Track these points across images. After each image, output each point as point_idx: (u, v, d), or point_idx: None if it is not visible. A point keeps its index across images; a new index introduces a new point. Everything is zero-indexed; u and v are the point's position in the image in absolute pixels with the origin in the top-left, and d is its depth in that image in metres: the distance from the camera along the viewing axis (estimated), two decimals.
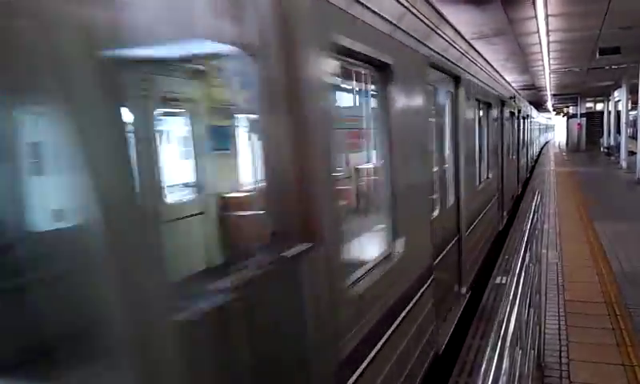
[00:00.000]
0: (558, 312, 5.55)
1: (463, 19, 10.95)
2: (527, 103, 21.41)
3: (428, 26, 4.25)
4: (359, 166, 5.01)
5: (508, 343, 1.80)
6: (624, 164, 21.39)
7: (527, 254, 2.89)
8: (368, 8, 2.80)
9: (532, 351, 3.76)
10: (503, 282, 6.67)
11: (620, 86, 24.20)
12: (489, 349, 1.72)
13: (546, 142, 50.73)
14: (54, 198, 1.43)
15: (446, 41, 5.09)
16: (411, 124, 3.72)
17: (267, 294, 1.86)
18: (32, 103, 1.26)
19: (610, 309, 5.54)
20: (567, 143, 40.60)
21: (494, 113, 8.89)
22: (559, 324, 5.22)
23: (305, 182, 2.03)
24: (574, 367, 4.31)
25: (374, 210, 4.09)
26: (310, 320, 2.03)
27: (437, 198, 4.80)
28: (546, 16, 11.18)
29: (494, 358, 1.66)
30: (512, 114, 12.39)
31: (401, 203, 3.16)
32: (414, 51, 3.82)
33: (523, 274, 2.50)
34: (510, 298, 2.16)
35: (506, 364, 1.71)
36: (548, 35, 13.19)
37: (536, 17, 11.48)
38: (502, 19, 12.02)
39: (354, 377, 2.43)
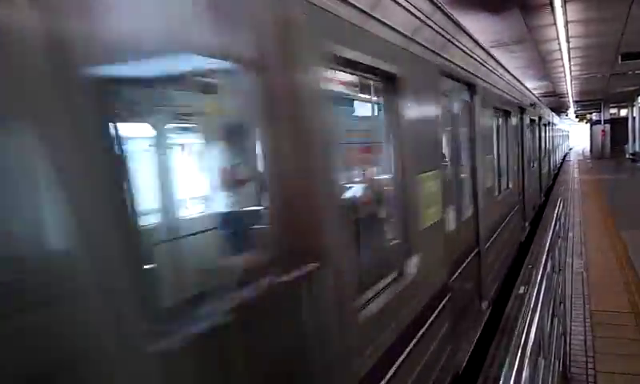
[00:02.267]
0: (584, 322, 5.43)
1: (482, 28, 10.92)
2: (549, 110, 21.40)
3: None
4: None
5: (528, 353, 1.78)
6: None
7: (549, 263, 2.85)
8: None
9: (557, 362, 3.69)
10: (526, 291, 6.56)
11: None
12: (508, 359, 1.71)
13: (567, 153, 46.75)
14: None
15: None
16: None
17: None
18: None
19: (637, 319, 5.40)
20: (591, 150, 39.93)
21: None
22: (585, 334, 5.11)
23: None
24: (600, 379, 4.21)
25: None
26: None
27: None
28: (566, 22, 11.06)
29: (513, 369, 1.64)
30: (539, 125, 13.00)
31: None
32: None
33: (544, 282, 2.47)
34: (531, 307, 2.13)
35: (525, 374, 1.69)
36: (568, 42, 13.04)
37: (555, 24, 11.37)
38: (520, 27, 11.93)
39: None
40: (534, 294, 2.24)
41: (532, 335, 1.89)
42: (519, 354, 1.77)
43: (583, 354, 4.66)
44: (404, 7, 3.19)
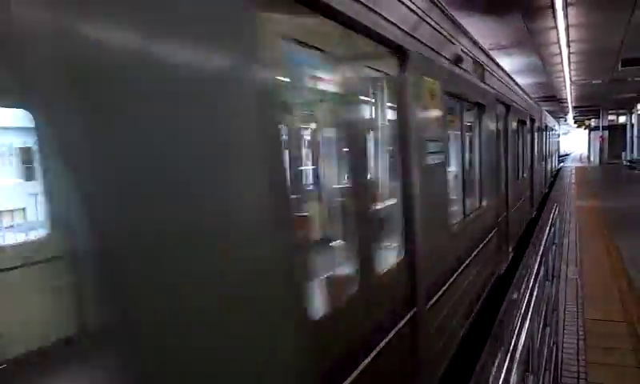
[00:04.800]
0: (577, 331, 5.33)
1: (482, 30, 10.82)
2: (552, 118, 22.88)
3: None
4: None
5: (516, 363, 1.68)
6: None
7: (541, 270, 2.75)
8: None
9: (547, 372, 3.59)
10: (518, 298, 6.47)
11: None
12: (494, 369, 1.60)
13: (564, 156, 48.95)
14: None
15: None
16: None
17: None
18: None
19: (631, 328, 5.31)
20: (589, 156, 39.95)
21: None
22: (577, 343, 5.01)
23: None
24: None
25: None
26: None
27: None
28: (567, 27, 10.98)
29: (499, 380, 1.54)
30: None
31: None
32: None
33: (536, 289, 2.37)
34: (522, 314, 2.03)
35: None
36: (569, 46, 12.96)
37: (556, 27, 11.28)
38: (521, 30, 11.85)
39: None
40: (525, 303, 2.14)
41: (520, 345, 1.79)
42: (507, 364, 1.66)
43: (575, 364, 4.57)
44: (485, 69, 6.25)
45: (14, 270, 2.18)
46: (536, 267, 2.64)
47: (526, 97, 12.06)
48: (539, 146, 15.28)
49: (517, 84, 10.50)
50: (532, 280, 2.40)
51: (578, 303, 6.13)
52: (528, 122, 11.72)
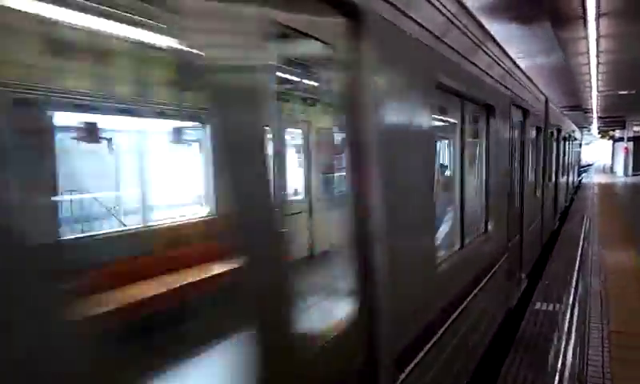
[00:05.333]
0: (602, 343, 5.32)
1: (510, 37, 10.77)
2: (578, 130, 21.73)
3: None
4: None
5: (567, 376, 1.75)
6: None
7: (580, 284, 2.80)
8: None
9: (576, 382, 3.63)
10: (543, 308, 6.44)
11: None
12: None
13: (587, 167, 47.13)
14: None
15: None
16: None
17: None
18: None
19: None
20: (612, 167, 39.34)
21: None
22: (602, 355, 5.01)
23: None
24: None
25: None
26: None
27: None
28: (598, 37, 10.88)
29: None
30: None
31: None
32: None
33: (577, 304, 2.42)
34: (566, 328, 2.09)
35: None
36: (598, 56, 12.84)
37: (587, 37, 11.19)
38: (550, 39, 11.76)
39: None
40: (568, 316, 2.20)
41: (569, 359, 1.86)
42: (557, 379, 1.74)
43: (600, 376, 4.58)
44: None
45: None
46: (574, 282, 2.68)
47: (558, 113, 9.55)
48: (547, 164, 10.07)
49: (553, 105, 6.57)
50: (572, 295, 2.45)
51: (602, 315, 6.11)
52: (514, 118, 6.32)
